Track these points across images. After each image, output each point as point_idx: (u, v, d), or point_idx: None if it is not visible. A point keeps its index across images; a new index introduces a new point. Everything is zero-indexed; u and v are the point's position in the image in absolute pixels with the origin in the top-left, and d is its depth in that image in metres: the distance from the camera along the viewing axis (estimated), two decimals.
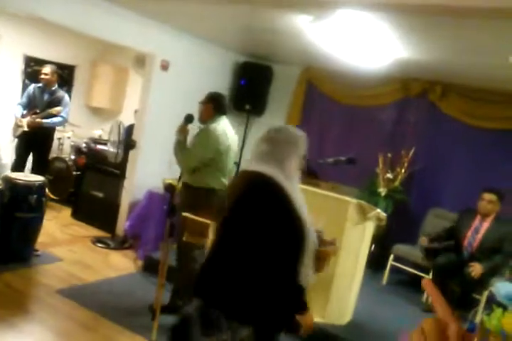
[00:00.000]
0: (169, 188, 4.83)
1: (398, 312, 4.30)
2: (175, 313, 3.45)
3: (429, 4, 1.77)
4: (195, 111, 5.67)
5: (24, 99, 5.46)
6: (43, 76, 5.43)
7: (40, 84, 5.49)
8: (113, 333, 3.24)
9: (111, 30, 4.55)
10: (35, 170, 5.23)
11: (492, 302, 3.77)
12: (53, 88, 5.51)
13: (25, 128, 5.26)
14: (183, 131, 3.51)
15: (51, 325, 3.23)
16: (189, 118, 3.53)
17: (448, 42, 3.73)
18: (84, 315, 3.42)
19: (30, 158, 5.48)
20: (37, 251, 4.32)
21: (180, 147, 3.48)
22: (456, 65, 4.43)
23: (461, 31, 3.30)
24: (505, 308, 1.80)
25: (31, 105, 5.42)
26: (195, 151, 3.45)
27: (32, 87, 5.54)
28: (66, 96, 5.60)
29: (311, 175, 4.96)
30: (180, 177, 3.49)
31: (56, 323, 3.26)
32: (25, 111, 5.37)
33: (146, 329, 2.97)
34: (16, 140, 5.41)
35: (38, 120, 5.30)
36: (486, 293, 4.22)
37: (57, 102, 5.46)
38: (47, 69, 5.48)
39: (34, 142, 5.40)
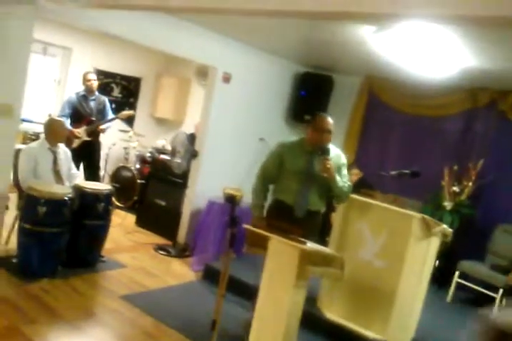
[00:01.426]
0: (230, 199, 4.89)
1: (462, 331, 4.11)
2: None
3: (503, 16, 1.70)
4: (258, 123, 5.76)
5: (68, 110, 5.38)
6: (92, 82, 5.43)
7: (83, 92, 5.46)
8: None
9: (174, 44, 4.67)
10: (91, 179, 5.30)
11: None
12: (96, 94, 5.57)
13: (86, 138, 5.37)
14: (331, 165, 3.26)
15: (114, 329, 3.33)
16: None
17: None
18: (146, 321, 3.50)
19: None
20: (103, 257, 4.47)
21: (340, 182, 3.33)
22: None
23: None
24: None
25: (78, 114, 5.40)
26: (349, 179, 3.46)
27: (74, 96, 5.46)
28: (106, 100, 5.68)
29: (365, 187, 4.90)
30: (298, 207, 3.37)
31: (119, 328, 3.36)
32: (68, 121, 5.32)
33: (206, 339, 3.01)
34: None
35: (101, 127, 5.45)
36: None
37: (104, 107, 5.56)
38: (93, 75, 5.52)
39: (89, 151, 5.49)
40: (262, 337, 2.81)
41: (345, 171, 3.41)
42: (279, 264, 2.75)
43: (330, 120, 3.35)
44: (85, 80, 5.49)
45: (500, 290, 4.39)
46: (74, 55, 6.53)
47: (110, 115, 5.63)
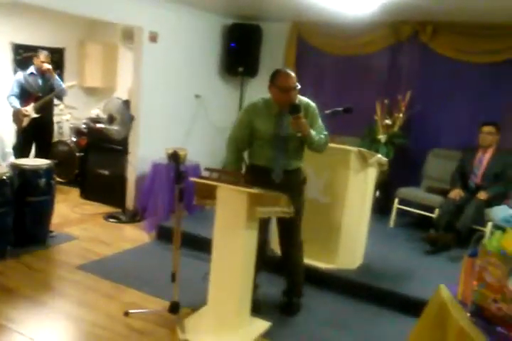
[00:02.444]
0: (174, 156, 4.87)
1: (407, 252, 4.43)
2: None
3: None
4: (192, 80, 5.70)
5: (16, 89, 5.34)
6: (46, 65, 5.36)
7: (31, 71, 5.41)
8: (137, 299, 3.36)
9: (93, 7, 4.48)
10: (42, 156, 5.20)
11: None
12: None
13: (34, 115, 5.28)
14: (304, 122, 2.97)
15: (75, 298, 3.34)
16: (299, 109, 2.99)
17: None
18: (106, 286, 3.54)
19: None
20: (52, 232, 4.42)
21: (316, 137, 3.06)
22: (446, 2, 4.32)
23: None
24: (503, 230, 1.84)
25: (26, 93, 5.36)
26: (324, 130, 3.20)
27: (21, 75, 5.42)
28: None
29: None
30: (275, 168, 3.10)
31: (80, 296, 3.38)
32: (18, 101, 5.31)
33: (168, 293, 3.08)
34: (16, 131, 5.37)
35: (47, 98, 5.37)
36: (489, 225, 4.33)
37: (53, 83, 5.48)
38: (44, 56, 5.41)
39: (41, 129, 5.43)
40: (221, 283, 2.90)
41: (319, 121, 3.16)
42: (229, 210, 2.81)
43: (292, 74, 3.00)
44: (36, 58, 5.42)
45: (436, 210, 4.71)
46: None
47: (62, 84, 5.56)
